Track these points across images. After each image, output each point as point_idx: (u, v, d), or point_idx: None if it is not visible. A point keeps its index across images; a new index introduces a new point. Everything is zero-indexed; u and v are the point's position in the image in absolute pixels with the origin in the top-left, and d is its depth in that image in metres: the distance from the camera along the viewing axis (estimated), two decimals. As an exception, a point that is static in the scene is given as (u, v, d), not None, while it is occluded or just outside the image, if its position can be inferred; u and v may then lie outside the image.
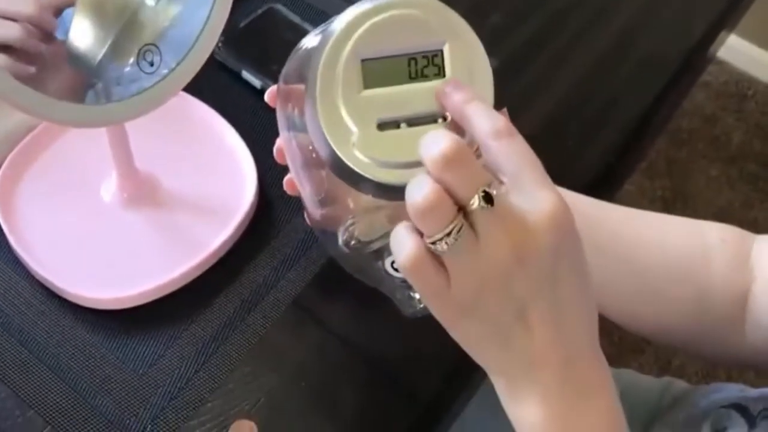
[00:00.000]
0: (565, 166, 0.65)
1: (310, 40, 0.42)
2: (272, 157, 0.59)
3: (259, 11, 0.68)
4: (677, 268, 0.53)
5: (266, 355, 0.53)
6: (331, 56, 0.35)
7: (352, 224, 0.40)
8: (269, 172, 0.59)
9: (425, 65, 0.36)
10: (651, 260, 0.53)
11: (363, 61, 0.35)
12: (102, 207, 0.57)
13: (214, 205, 0.58)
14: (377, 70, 0.36)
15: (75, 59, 0.44)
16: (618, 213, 0.54)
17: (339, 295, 0.56)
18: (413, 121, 0.36)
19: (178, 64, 0.47)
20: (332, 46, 0.35)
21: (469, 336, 0.37)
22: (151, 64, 0.46)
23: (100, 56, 0.44)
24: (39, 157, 0.58)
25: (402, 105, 0.36)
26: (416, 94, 0.36)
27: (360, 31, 0.35)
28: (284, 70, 0.43)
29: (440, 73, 0.37)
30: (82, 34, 0.44)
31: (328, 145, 0.36)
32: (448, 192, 0.33)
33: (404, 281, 0.41)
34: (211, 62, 0.50)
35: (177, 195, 0.58)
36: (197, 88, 0.56)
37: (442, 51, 0.36)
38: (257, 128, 0.62)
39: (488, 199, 0.33)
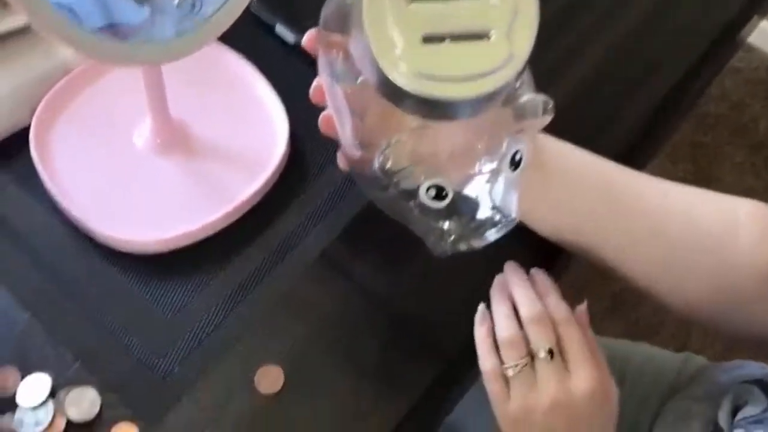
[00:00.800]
0: (591, 140, 0.65)
1: None
2: (304, 110, 0.59)
3: (295, -35, 0.68)
4: (705, 240, 0.52)
5: (293, 305, 0.54)
6: None
7: (389, 148, 0.40)
8: (300, 125, 0.60)
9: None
10: (679, 230, 0.53)
11: None
12: (135, 152, 0.57)
13: (246, 155, 0.59)
14: (425, 5, 0.36)
15: None
16: (647, 181, 0.54)
17: (367, 249, 0.57)
18: (458, 37, 0.36)
19: (217, 11, 0.47)
20: None
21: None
22: (192, 7, 0.46)
23: None
24: (74, 99, 0.58)
25: (447, 20, 0.36)
26: (462, 11, 0.37)
27: None
28: (324, 12, 0.43)
29: None
30: None
31: (374, 60, 0.36)
32: (527, 337, 0.49)
33: (436, 217, 0.42)
34: (246, 15, 0.50)
35: (209, 144, 0.58)
36: (231, 39, 0.56)
37: None
38: (289, 82, 0.62)
39: (551, 353, 0.48)
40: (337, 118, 0.45)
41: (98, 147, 0.57)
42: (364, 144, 0.43)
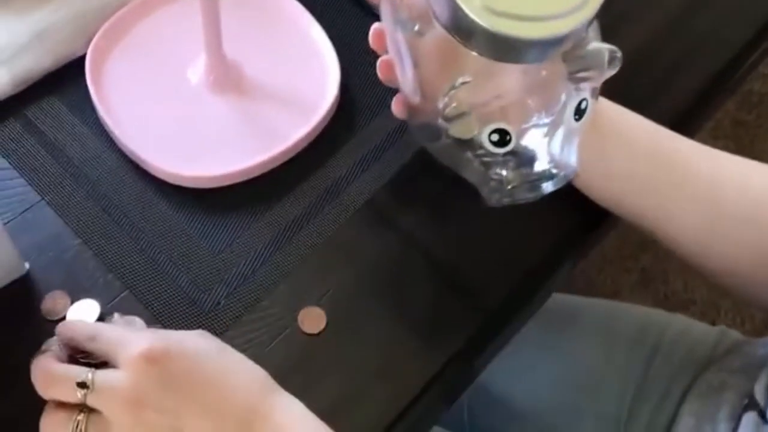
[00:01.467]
0: (638, 109, 0.64)
1: None
2: (356, 57, 0.59)
3: None
4: (754, 211, 0.52)
5: (338, 249, 0.54)
6: None
7: (454, 89, 0.40)
8: (352, 72, 0.59)
9: None
10: (730, 198, 0.52)
11: None
12: (188, 87, 0.57)
13: (297, 98, 0.58)
14: None
15: None
16: (700, 148, 0.53)
17: (413, 199, 0.57)
18: None
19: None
20: None
21: None
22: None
23: None
24: (130, 31, 0.58)
25: None
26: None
27: None
28: None
29: None
30: None
31: None
32: (61, 403, 0.41)
33: (494, 165, 0.42)
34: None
35: (262, 85, 0.58)
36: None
37: None
38: (343, 28, 0.61)
39: (83, 385, 0.40)
40: (398, 64, 0.45)
41: (152, 80, 0.57)
42: (424, 91, 0.43)
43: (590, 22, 0.38)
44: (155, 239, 0.52)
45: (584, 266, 1.25)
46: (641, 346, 0.72)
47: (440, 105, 0.41)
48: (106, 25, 0.57)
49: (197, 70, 0.57)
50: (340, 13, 0.63)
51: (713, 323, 0.76)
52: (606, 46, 0.40)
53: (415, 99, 0.44)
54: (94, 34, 0.57)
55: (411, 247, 0.55)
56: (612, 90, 0.47)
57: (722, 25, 0.69)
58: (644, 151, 0.52)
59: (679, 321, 0.77)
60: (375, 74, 0.50)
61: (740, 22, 0.70)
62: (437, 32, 0.40)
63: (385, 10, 0.45)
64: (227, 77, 0.57)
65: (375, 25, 0.48)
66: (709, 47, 0.68)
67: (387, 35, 0.46)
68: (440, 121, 0.43)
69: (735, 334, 0.75)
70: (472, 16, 0.36)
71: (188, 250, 0.52)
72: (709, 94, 0.67)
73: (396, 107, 0.50)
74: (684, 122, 0.64)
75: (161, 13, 0.59)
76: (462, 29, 0.37)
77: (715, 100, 0.70)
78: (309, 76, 0.59)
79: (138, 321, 0.48)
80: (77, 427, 0.40)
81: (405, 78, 0.44)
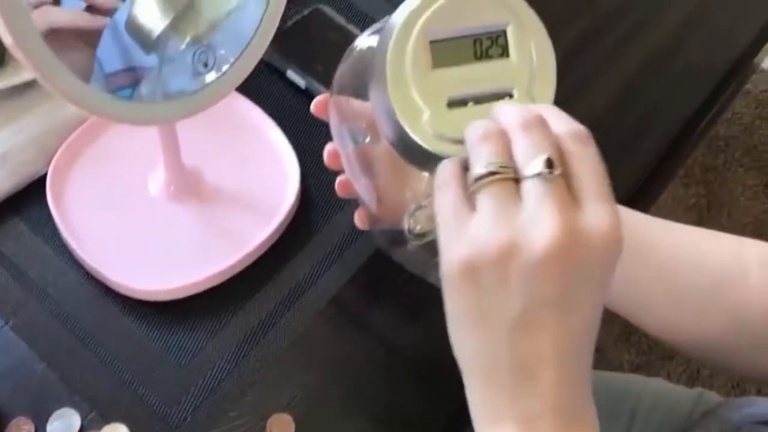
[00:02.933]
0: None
1: (363, 41, 0.43)
2: (315, 155, 0.61)
3: (305, 12, 0.69)
4: (716, 284, 0.53)
5: (304, 351, 0.54)
6: (400, 39, 0.36)
7: (418, 209, 0.41)
8: (312, 170, 0.60)
9: (489, 45, 0.37)
10: (689, 276, 0.53)
11: (431, 42, 0.36)
12: (149, 199, 0.58)
13: (257, 201, 0.59)
14: (445, 51, 0.37)
15: (134, 30, 0.45)
16: (655, 224, 0.55)
17: (377, 295, 0.57)
18: (480, 99, 0.37)
19: (230, 66, 0.48)
20: (400, 30, 0.36)
21: (461, 305, 0.33)
22: (205, 65, 0.47)
23: (158, 32, 0.45)
24: (89, 148, 0.60)
25: (469, 84, 0.37)
26: (482, 73, 0.37)
27: (427, 14, 0.36)
28: (337, 76, 0.44)
29: (504, 53, 0.38)
30: (145, 7, 0.44)
31: (400, 125, 0.37)
32: (512, 151, 0.32)
33: None
34: (258, 61, 0.51)
35: (221, 190, 0.59)
36: (243, 84, 0.56)
37: (505, 32, 0.37)
38: (300, 126, 0.63)
39: (551, 164, 0.30)
40: (355, 180, 0.46)
41: (113, 195, 0.58)
42: (382, 199, 0.44)
43: None
44: (121, 356, 0.53)
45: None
46: (619, 416, 0.72)
47: (405, 225, 0.42)
48: (67, 142, 0.59)
49: (157, 182, 0.58)
50: (298, 110, 0.64)
51: (698, 372, 0.75)
52: None
53: (373, 208, 0.45)
54: (54, 154, 0.58)
55: (378, 345, 0.55)
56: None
57: (680, 85, 0.71)
58: None
59: (656, 386, 0.77)
60: (333, 174, 0.51)
61: (696, 81, 0.72)
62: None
63: (334, 125, 0.47)
64: (187, 186, 0.59)
65: (328, 146, 0.49)
66: (668, 106, 0.70)
67: (340, 149, 0.47)
68: (407, 233, 0.44)
69: (712, 396, 0.75)
70: (426, 147, 0.36)
71: (154, 364, 0.53)
72: (671, 153, 0.69)
73: (358, 220, 0.51)
74: (649, 183, 0.66)
75: (118, 129, 0.60)
76: (417, 157, 0.37)
77: (679, 156, 0.72)
78: (269, 178, 0.60)
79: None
80: (499, 177, 0.31)
81: (364, 193, 0.45)
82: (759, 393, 0.60)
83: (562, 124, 0.33)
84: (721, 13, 0.77)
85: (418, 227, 0.41)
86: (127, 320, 0.54)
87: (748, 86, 1.64)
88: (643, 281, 0.53)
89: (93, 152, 0.60)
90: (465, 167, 0.33)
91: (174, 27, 0.45)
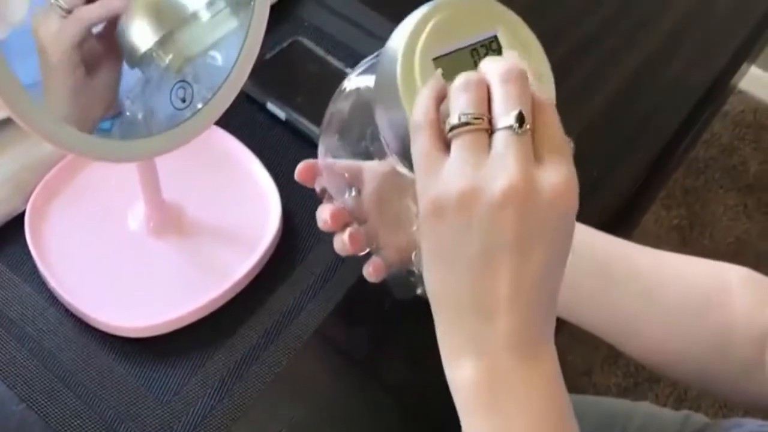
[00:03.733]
0: (587, 198, 0.65)
1: (354, 82, 0.44)
2: (295, 187, 0.60)
3: (285, 44, 0.69)
4: (698, 304, 0.53)
5: (289, 384, 0.54)
6: (406, 61, 0.37)
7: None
8: (292, 202, 0.60)
9: (485, 53, 0.38)
10: (672, 297, 0.53)
11: (434, 59, 0.37)
12: (129, 235, 0.58)
13: (239, 234, 0.59)
14: (447, 65, 0.38)
15: (126, 46, 0.46)
16: (636, 250, 0.55)
17: (360, 325, 0.57)
18: None
19: (209, 101, 0.48)
20: (404, 53, 0.37)
21: (436, 240, 0.35)
22: (183, 101, 0.47)
23: (143, 50, 0.46)
24: (68, 185, 0.59)
25: None
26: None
27: (424, 35, 0.37)
28: (326, 118, 0.45)
29: (500, 55, 0.39)
30: (132, 29, 0.45)
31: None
32: (490, 104, 0.34)
33: None
34: (238, 93, 0.51)
35: (202, 224, 0.59)
36: (223, 118, 0.57)
37: (496, 36, 0.39)
38: (281, 158, 0.63)
39: (521, 120, 0.33)
40: (367, 233, 0.46)
41: (92, 232, 0.58)
42: (379, 242, 0.45)
43: None
44: (102, 394, 0.52)
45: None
46: (606, 441, 0.72)
47: (416, 267, 0.43)
48: (44, 180, 0.58)
49: (137, 217, 0.58)
50: (278, 145, 0.64)
51: (685, 393, 0.75)
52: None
53: (393, 257, 0.45)
54: (32, 191, 0.58)
55: (364, 376, 0.55)
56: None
57: (659, 106, 0.72)
58: (588, 264, 0.53)
59: (644, 409, 0.77)
60: (315, 203, 0.51)
61: (675, 101, 0.73)
62: (368, 187, 0.41)
63: (333, 190, 0.47)
64: (167, 220, 0.58)
65: (328, 211, 0.49)
66: (648, 128, 0.71)
67: (339, 212, 0.47)
68: (416, 272, 0.44)
69: (699, 418, 0.75)
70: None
71: (135, 401, 0.52)
72: (652, 174, 0.69)
73: (370, 273, 0.50)
74: (630, 207, 0.67)
75: (96, 165, 0.60)
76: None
77: (660, 178, 0.72)
78: (249, 211, 0.60)
79: None
80: (474, 127, 0.34)
81: (378, 243, 0.46)
82: (746, 414, 0.59)
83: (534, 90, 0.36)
84: (698, 35, 0.79)
85: (414, 268, 0.42)
86: (108, 358, 0.53)
87: (725, 107, 1.67)
88: (627, 306, 0.53)
89: (71, 189, 0.59)
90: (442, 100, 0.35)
91: (161, 46, 0.46)
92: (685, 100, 0.74)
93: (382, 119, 0.39)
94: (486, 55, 0.38)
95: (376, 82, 0.39)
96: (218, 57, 0.48)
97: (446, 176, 0.34)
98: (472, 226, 0.34)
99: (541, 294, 0.35)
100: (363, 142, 0.44)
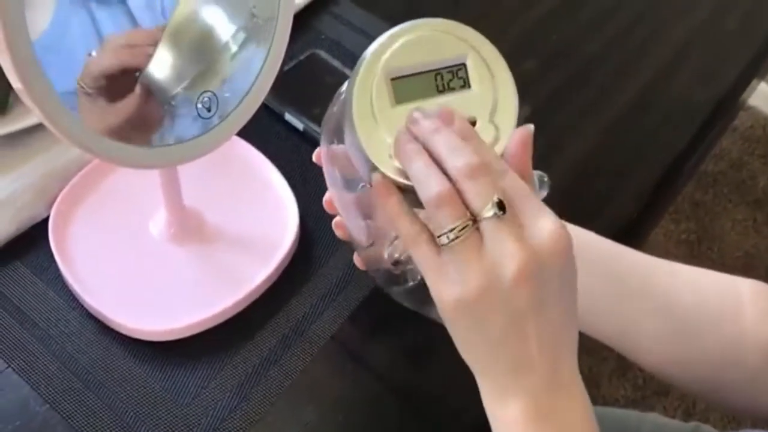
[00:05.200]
0: (596, 213, 0.67)
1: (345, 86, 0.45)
2: (313, 196, 0.62)
3: (302, 56, 0.71)
4: (712, 316, 0.53)
5: (305, 389, 0.55)
6: (363, 79, 0.38)
7: (397, 239, 0.42)
8: (310, 210, 0.62)
9: (450, 79, 0.39)
10: (687, 308, 0.54)
11: (392, 80, 0.38)
12: (150, 241, 0.59)
13: (257, 241, 0.60)
14: (407, 87, 0.39)
15: (156, 88, 0.46)
16: (647, 260, 0.56)
17: (376, 331, 0.58)
18: None
19: (232, 111, 0.50)
20: (364, 70, 0.38)
21: (462, 331, 0.39)
22: (209, 110, 0.48)
23: (176, 90, 0.47)
24: (91, 191, 0.61)
25: None
26: (445, 105, 0.39)
27: (387, 53, 0.38)
28: (324, 121, 0.46)
29: (465, 85, 0.39)
30: (164, 66, 0.46)
31: (367, 159, 0.38)
32: (463, 197, 0.37)
33: None
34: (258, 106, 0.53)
35: (222, 231, 0.60)
36: (242, 128, 0.58)
37: (465, 64, 0.39)
38: (299, 168, 0.64)
39: (501, 206, 0.36)
40: (349, 223, 0.47)
41: (114, 237, 0.59)
42: (376, 242, 0.45)
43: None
44: (122, 397, 0.53)
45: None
46: (616, 452, 0.72)
47: (386, 254, 0.43)
48: (68, 186, 0.60)
49: (158, 224, 0.59)
50: (295, 154, 0.65)
51: (694, 407, 0.76)
52: (535, 173, 0.43)
53: (368, 252, 0.46)
54: (56, 197, 0.59)
55: (379, 382, 0.56)
56: (566, 199, 0.49)
57: (666, 123, 0.73)
58: (601, 269, 0.54)
59: (653, 420, 0.77)
60: (332, 214, 0.52)
61: (683, 118, 0.74)
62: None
63: (328, 176, 0.48)
64: (188, 227, 0.59)
65: (325, 197, 0.50)
66: (656, 144, 0.72)
67: (334, 199, 0.48)
68: (391, 266, 0.45)
69: (708, 430, 0.75)
70: (392, 178, 0.39)
71: (155, 404, 0.53)
72: (661, 189, 0.70)
73: (357, 261, 0.52)
74: (640, 221, 0.68)
75: (119, 172, 0.61)
76: None
77: (670, 193, 0.73)
78: (268, 219, 0.61)
79: None
80: (460, 227, 0.37)
81: (357, 235, 0.47)
82: (754, 426, 0.60)
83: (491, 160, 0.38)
84: (708, 51, 0.80)
85: (396, 254, 0.43)
86: (129, 361, 0.54)
87: (735, 122, 1.68)
88: (642, 320, 0.54)
89: (94, 195, 0.61)
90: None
91: (190, 87, 0.47)
92: (695, 115, 0.75)
93: (346, 134, 0.40)
94: (451, 81, 0.39)
95: (344, 97, 0.40)
96: (243, 71, 0.50)
97: (459, 278, 0.37)
98: (495, 309, 0.37)
99: (563, 335, 0.40)
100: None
